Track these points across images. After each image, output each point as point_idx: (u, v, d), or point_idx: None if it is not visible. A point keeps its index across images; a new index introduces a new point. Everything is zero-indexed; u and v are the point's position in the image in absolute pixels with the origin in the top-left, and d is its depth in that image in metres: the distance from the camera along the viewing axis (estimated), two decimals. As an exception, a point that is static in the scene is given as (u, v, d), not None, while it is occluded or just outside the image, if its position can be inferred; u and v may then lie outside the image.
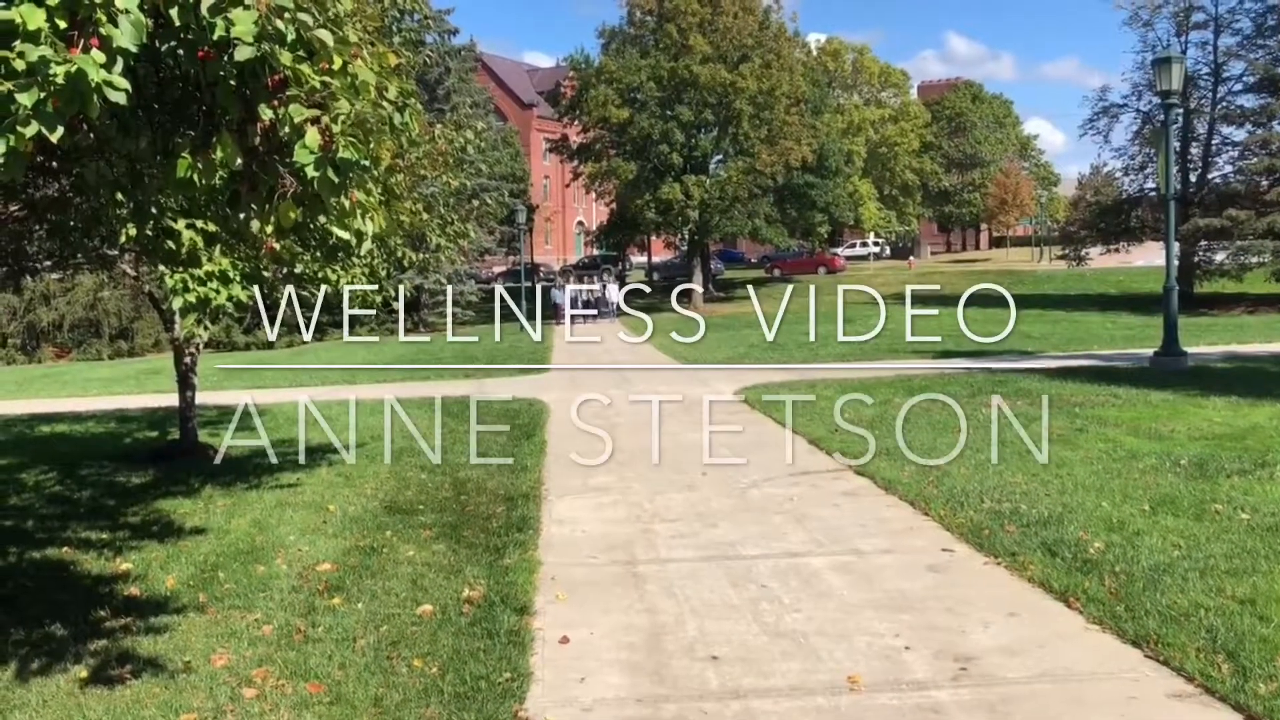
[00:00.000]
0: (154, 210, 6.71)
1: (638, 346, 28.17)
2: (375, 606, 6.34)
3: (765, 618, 6.05)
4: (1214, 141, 41.25)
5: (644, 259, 73.44)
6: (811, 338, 28.67)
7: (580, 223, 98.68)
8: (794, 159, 46.18)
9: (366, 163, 3.64)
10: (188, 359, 12.76)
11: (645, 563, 7.28)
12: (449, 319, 47.43)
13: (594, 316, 41.20)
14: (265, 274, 7.22)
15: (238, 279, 6.81)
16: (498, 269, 68.35)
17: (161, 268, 6.74)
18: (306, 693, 5.01)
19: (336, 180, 3.52)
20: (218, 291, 6.73)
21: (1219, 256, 38.06)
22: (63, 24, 3.36)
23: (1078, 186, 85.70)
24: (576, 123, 52.00)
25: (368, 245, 4.67)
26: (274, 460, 12.04)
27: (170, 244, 6.72)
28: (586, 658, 5.50)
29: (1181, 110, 18.87)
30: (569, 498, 9.52)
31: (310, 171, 3.46)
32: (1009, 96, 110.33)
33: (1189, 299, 35.09)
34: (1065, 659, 5.25)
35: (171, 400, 18.19)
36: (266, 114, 3.73)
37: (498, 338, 37.45)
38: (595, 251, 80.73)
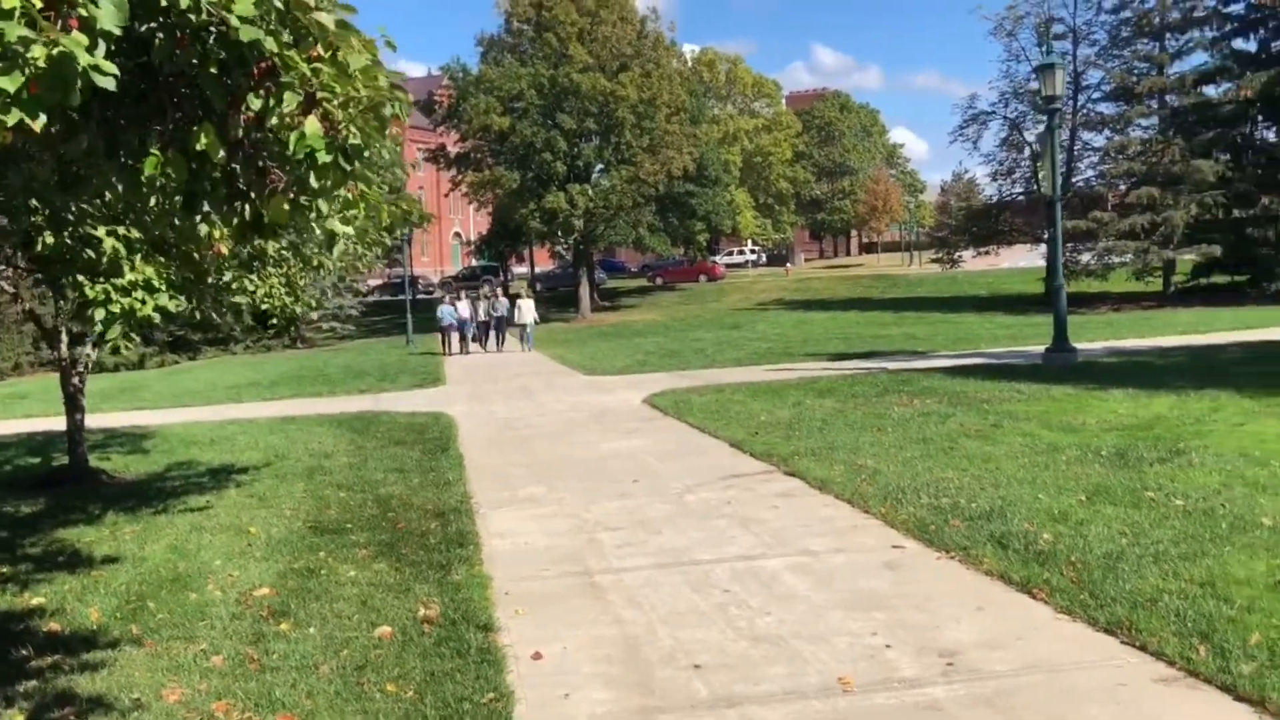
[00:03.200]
0: (71, 217, 6.30)
1: (533, 357, 27.96)
2: (329, 630, 6.02)
3: (738, 623, 5.94)
4: (1076, 147, 43.01)
5: (525, 269, 73.02)
6: (705, 344, 29.04)
7: (457, 234, 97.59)
8: (675, 168, 46.45)
9: (369, 153, 3.41)
10: (76, 379, 12.04)
11: (600, 573, 7.10)
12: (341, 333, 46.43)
13: (499, 340, 33.92)
14: (208, 281, 6.80)
15: (164, 288, 6.40)
16: (374, 282, 67.03)
17: (81, 279, 6.27)
18: (278, 725, 4.70)
19: (349, 168, 3.28)
20: (143, 302, 6.31)
21: (1085, 257, 39.67)
22: (38, 1, 3.05)
23: (941, 192, 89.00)
24: (454, 132, 51.37)
25: (340, 247, 4.40)
26: (177, 483, 11.51)
27: (90, 253, 6.30)
28: (565, 673, 5.30)
29: (1057, 115, 19.51)
30: (503, 510, 9.27)
31: (322, 157, 3.21)
32: (875, 106, 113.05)
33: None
34: (1045, 650, 5.27)
35: (46, 425, 17.28)
36: (255, 103, 3.47)
37: (409, 343, 37.12)
38: (475, 262, 80.00)
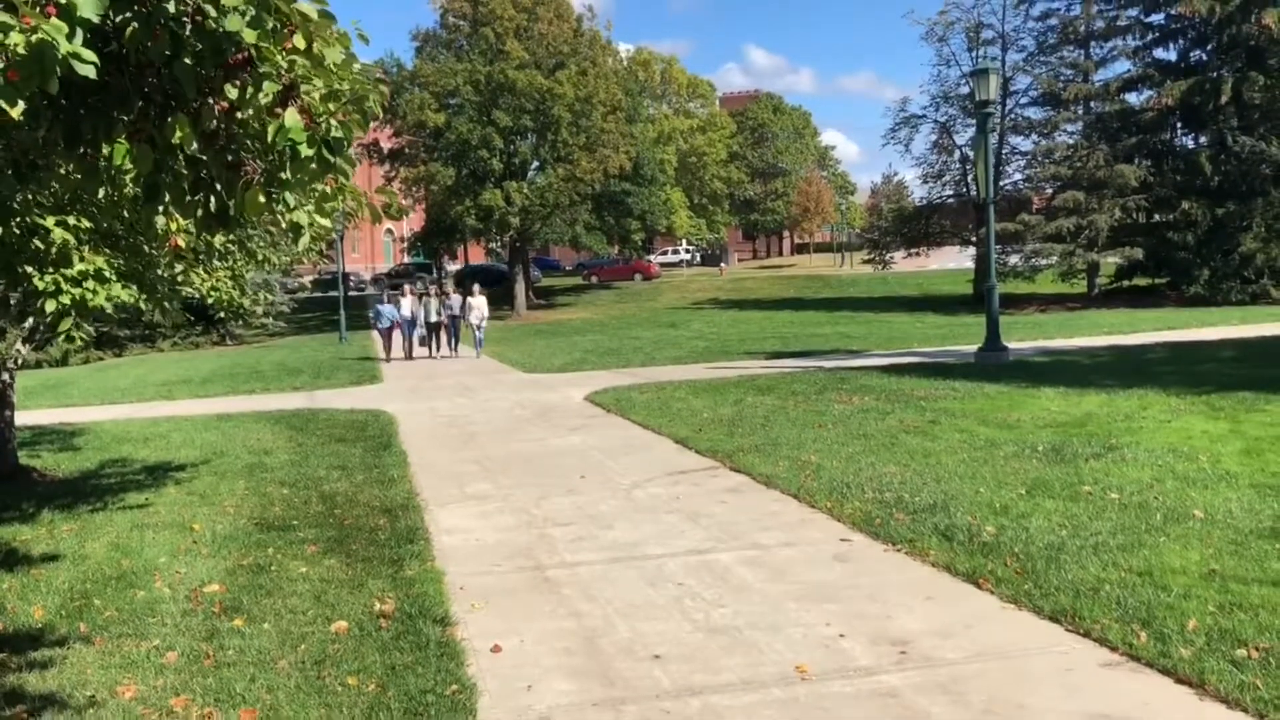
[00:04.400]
0: (19, 206, 6.17)
1: (470, 356, 27.80)
2: (284, 626, 5.98)
3: (694, 615, 6.02)
4: (1004, 151, 43.93)
5: (458, 266, 72.48)
6: (644, 342, 29.14)
7: (390, 230, 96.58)
8: (612, 166, 46.50)
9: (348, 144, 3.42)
10: (5, 376, 11.75)
11: (553, 567, 7.13)
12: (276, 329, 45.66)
13: (452, 342, 28.92)
14: (158, 272, 6.70)
15: (114, 278, 6.30)
16: (306, 278, 66.08)
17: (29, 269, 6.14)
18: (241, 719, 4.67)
19: (332, 161, 3.28)
20: (95, 292, 6.20)
21: (1013, 259, 40.53)
22: (16, -13, 3.01)
23: (871, 194, 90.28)
24: (388, 127, 50.88)
25: (305, 240, 4.39)
26: (112, 480, 11.30)
27: (38, 243, 6.18)
28: (526, 665, 5.34)
29: (989, 119, 19.94)
30: (450, 506, 9.25)
31: (304, 150, 3.21)
32: (808, 108, 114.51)
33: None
34: (995, 638, 5.43)
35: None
36: (231, 93, 3.45)
37: (343, 340, 36.53)
38: (408, 259, 79.28)
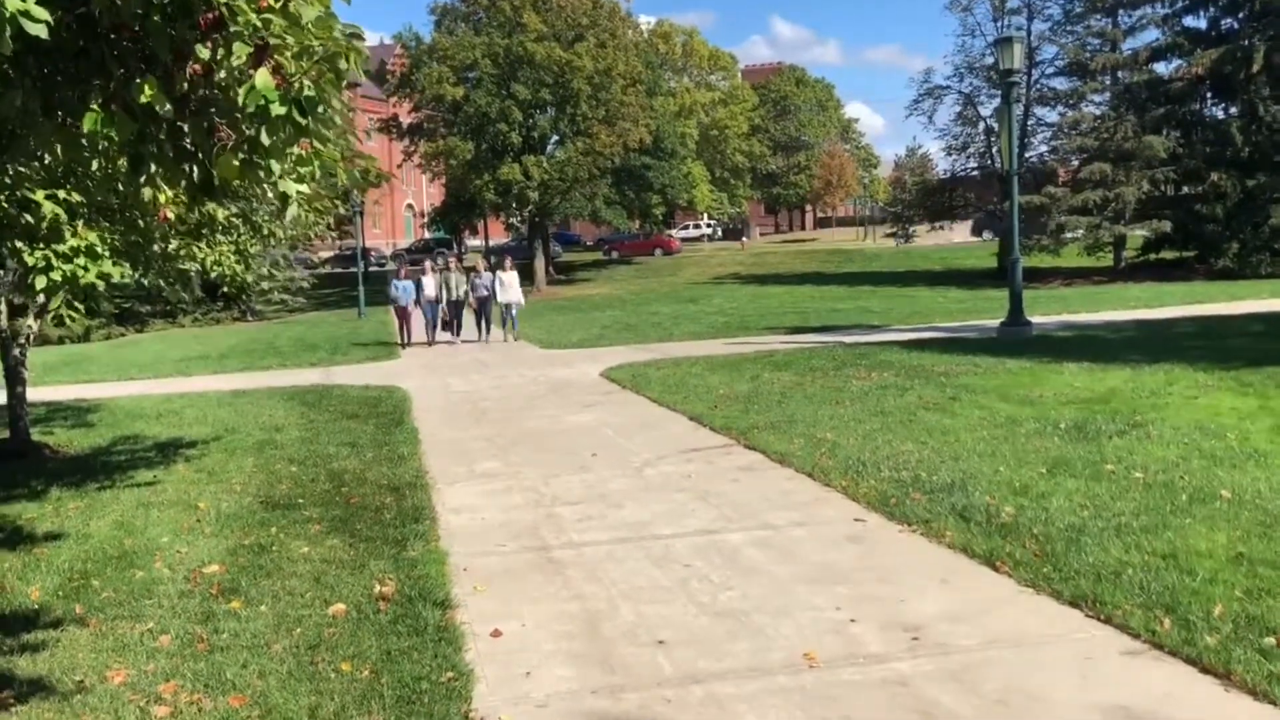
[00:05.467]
0: (8, 180, 6.03)
1: (499, 340, 27.60)
2: (281, 608, 5.85)
3: (700, 598, 5.85)
4: (1029, 123, 43.31)
5: (479, 242, 72.43)
6: (662, 318, 28.94)
7: (410, 205, 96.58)
8: (632, 140, 46.18)
9: (323, 108, 3.23)
10: (17, 351, 11.68)
11: (559, 548, 6.98)
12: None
13: (484, 327, 25.10)
14: (154, 248, 6.55)
15: (107, 254, 6.15)
16: (324, 254, 66.12)
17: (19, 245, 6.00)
18: (229, 706, 4.53)
19: (303, 122, 3.10)
20: (86, 269, 6.06)
21: (1039, 233, 40.00)
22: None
23: (895, 168, 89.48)
24: (407, 102, 50.71)
25: (293, 210, 4.21)
26: (123, 457, 11.23)
27: (29, 218, 6.04)
28: (526, 650, 5.18)
29: (1013, 89, 19.57)
30: (458, 485, 9.11)
31: (275, 109, 3.03)
32: (831, 81, 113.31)
33: (1011, 273, 36.82)
34: (1010, 623, 5.24)
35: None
36: (203, 54, 3.28)
37: (361, 315, 36.51)
38: (428, 235, 79.23)
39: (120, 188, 6.24)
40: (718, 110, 79.13)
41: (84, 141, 4.18)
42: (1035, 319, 20.22)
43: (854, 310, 28.89)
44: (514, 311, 24.94)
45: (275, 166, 3.81)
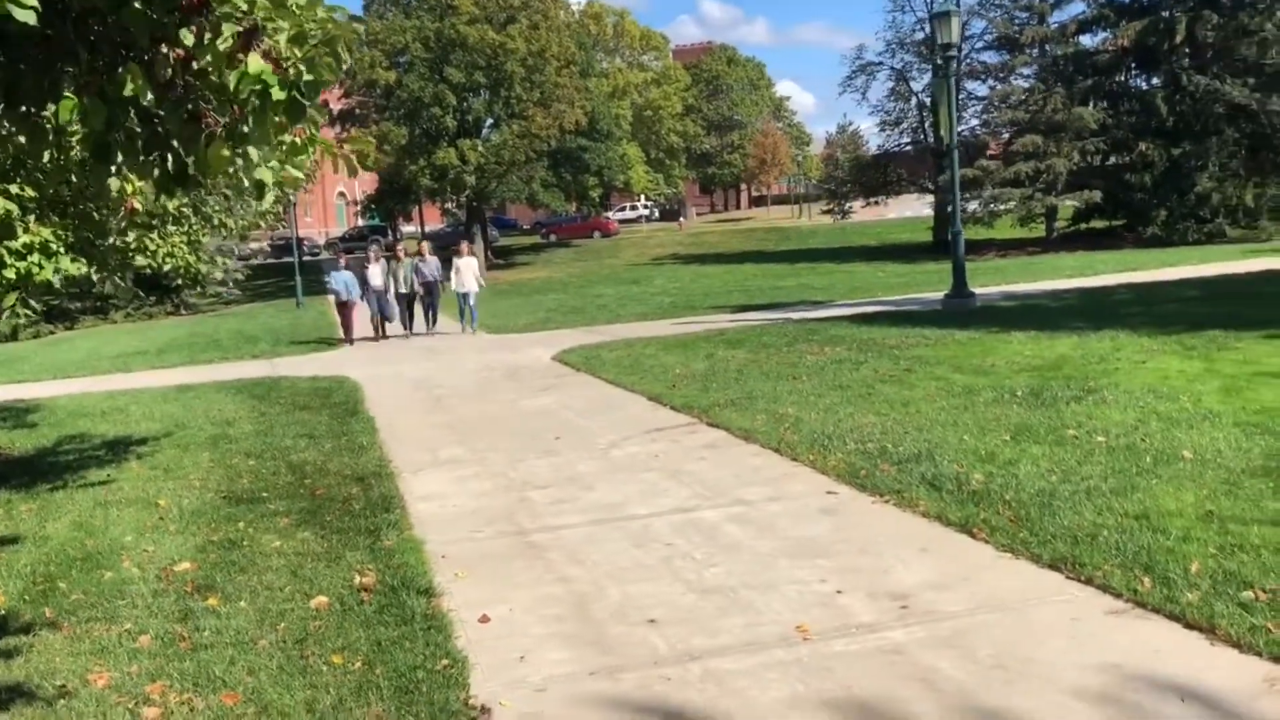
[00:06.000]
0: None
1: (455, 330, 27.32)
2: (261, 603, 5.75)
3: (685, 575, 5.86)
4: (960, 97, 43.79)
5: (415, 228, 71.63)
6: (607, 300, 28.90)
7: (342, 193, 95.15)
8: (567, 122, 45.94)
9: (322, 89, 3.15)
10: (-46, 352, 11.31)
11: (536, 532, 6.95)
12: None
13: (430, 317, 23.20)
14: (110, 241, 6.35)
15: (62, 250, 5.97)
16: (254, 245, 64.92)
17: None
18: (223, 705, 4.44)
19: (305, 106, 3.02)
20: (40, 266, 5.87)
21: (971, 205, 40.55)
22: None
23: (827, 145, 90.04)
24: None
25: (270, 198, 4.11)
26: (71, 457, 10.96)
27: (-21, 213, 5.84)
28: (517, 635, 5.15)
29: (951, 63, 19.78)
30: (424, 473, 9.02)
31: (276, 94, 2.95)
32: (761, 59, 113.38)
33: (947, 246, 37.36)
34: (994, 588, 5.32)
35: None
36: (188, 39, 3.17)
37: (299, 305, 35.89)
38: (361, 222, 78.18)
39: (73, 180, 6.07)
40: (651, 91, 79.01)
41: (48, 132, 4.06)
42: (977, 290, 20.49)
43: (796, 287, 29.09)
44: (472, 302, 22.69)
45: (255, 154, 3.72)
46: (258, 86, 2.97)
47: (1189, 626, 4.64)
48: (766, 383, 11.89)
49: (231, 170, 3.59)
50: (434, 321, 23.38)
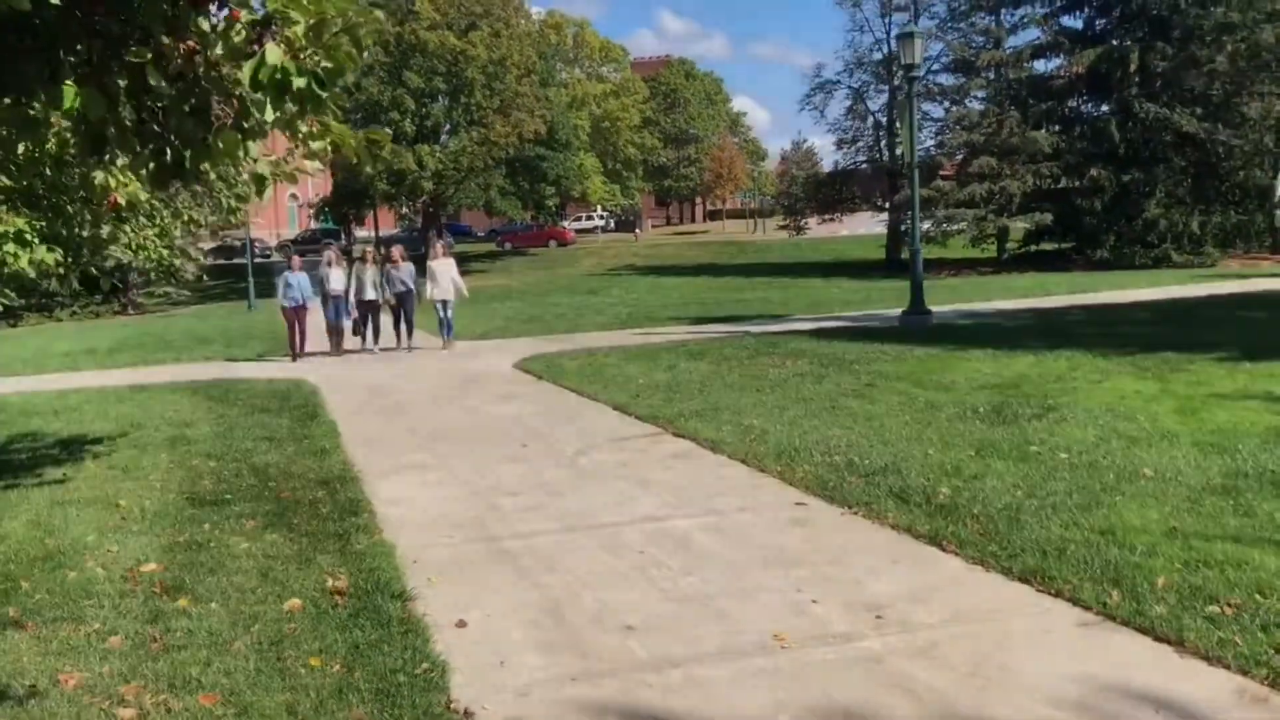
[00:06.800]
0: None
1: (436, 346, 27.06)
2: (233, 605, 5.68)
3: (660, 583, 5.89)
4: (916, 118, 44.37)
5: (369, 233, 71.08)
6: (565, 309, 28.88)
7: (294, 195, 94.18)
8: (527, 130, 45.92)
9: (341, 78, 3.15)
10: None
11: (508, 538, 6.93)
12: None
13: (405, 329, 19.88)
14: (84, 234, 6.25)
15: (36, 240, 5.87)
16: (206, 245, 64.13)
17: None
18: (201, 706, 4.39)
19: (325, 95, 3.01)
20: (16, 256, 5.78)
21: (925, 224, 41.02)
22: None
23: (782, 160, 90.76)
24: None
25: (269, 192, 4.09)
26: (24, 455, 10.77)
27: (-48, 203, 5.74)
28: (494, 640, 5.14)
29: (915, 83, 20.07)
30: (391, 478, 8.97)
31: (297, 82, 2.94)
32: (719, 74, 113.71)
33: (900, 264, 37.83)
34: (968, 600, 5.40)
35: None
36: (203, 25, 3.16)
37: (251, 308, 35.44)
38: (315, 225, 77.47)
39: (49, 172, 5.99)
40: (609, 102, 79.22)
41: (40, 122, 4.00)
42: (933, 308, 20.74)
43: (755, 301, 29.27)
44: (449, 312, 19.70)
45: (254, 148, 3.71)
46: (275, 75, 2.95)
47: (1158, 639, 4.74)
48: (730, 394, 11.96)
49: (229, 164, 3.58)
50: (409, 335, 20.07)
